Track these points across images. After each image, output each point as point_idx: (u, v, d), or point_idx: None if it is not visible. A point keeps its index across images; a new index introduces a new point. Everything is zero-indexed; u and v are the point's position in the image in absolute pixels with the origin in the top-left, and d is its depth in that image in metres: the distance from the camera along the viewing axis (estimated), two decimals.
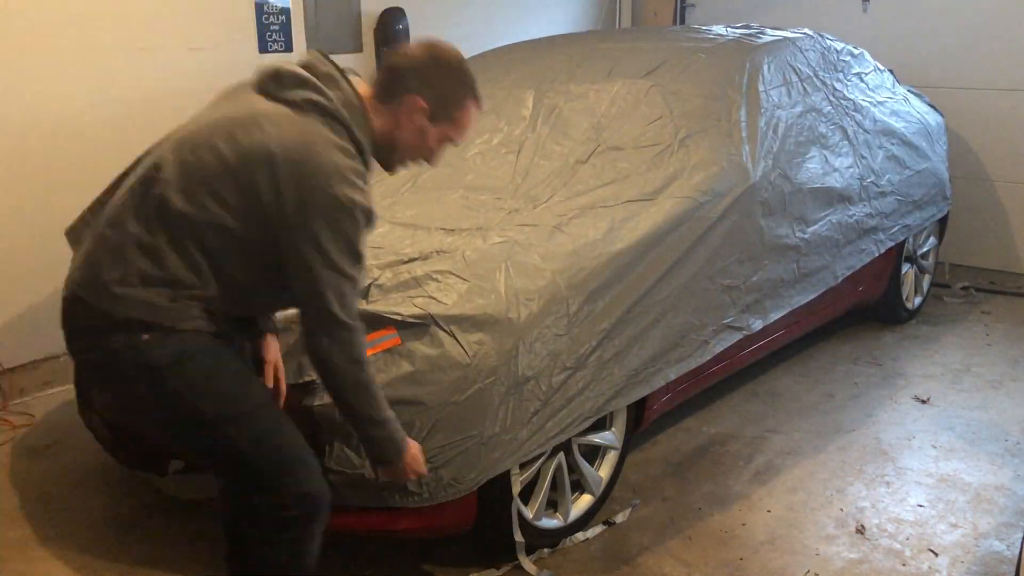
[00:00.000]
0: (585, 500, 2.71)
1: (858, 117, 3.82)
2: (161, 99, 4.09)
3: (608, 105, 3.27)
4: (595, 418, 2.55)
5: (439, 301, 2.30)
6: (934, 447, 3.24)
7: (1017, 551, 2.59)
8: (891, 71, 4.48)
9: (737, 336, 3.00)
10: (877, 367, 3.97)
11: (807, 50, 3.77)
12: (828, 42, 4.00)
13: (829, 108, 3.66)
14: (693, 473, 3.07)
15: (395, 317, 2.25)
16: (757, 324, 3.08)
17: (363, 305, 2.23)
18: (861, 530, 2.73)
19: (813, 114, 3.55)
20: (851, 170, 3.64)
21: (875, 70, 4.24)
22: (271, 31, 4.47)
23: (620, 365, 2.57)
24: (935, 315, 4.63)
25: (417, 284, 2.35)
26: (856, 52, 4.17)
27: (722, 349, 2.94)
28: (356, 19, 4.89)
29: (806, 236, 3.31)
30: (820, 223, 3.40)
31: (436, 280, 2.35)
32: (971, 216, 5.17)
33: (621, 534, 2.73)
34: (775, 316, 3.18)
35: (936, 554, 2.61)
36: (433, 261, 2.45)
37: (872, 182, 3.75)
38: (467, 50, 4.81)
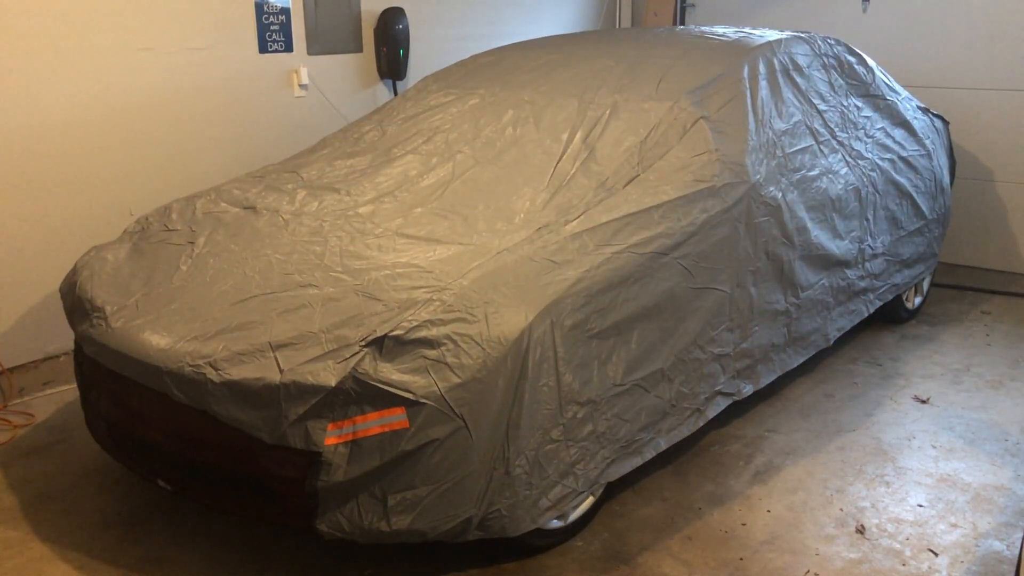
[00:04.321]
0: (586, 501, 2.71)
1: (874, 176, 3.75)
2: (161, 99, 4.09)
3: (653, 128, 3.09)
4: (587, 492, 2.55)
5: (453, 372, 2.19)
6: (934, 447, 3.24)
7: (1017, 551, 2.59)
8: (938, 115, 4.40)
9: (729, 401, 3.02)
10: (877, 367, 3.97)
11: (829, 110, 3.65)
12: (855, 98, 3.87)
13: (846, 170, 3.60)
14: (693, 473, 3.07)
15: (407, 396, 2.17)
16: (748, 389, 3.10)
17: (377, 367, 2.18)
18: (861, 530, 2.73)
19: (830, 176, 3.48)
20: (853, 233, 3.61)
21: (902, 122, 4.10)
22: (271, 31, 4.47)
23: (612, 439, 2.55)
24: (935, 315, 4.63)
25: (435, 345, 2.21)
26: (885, 100, 4.03)
27: (714, 415, 2.95)
28: (356, 19, 4.89)
29: (798, 302, 3.29)
30: (814, 288, 3.38)
31: (455, 343, 2.22)
32: (971, 216, 5.17)
33: (621, 534, 2.73)
34: (767, 381, 3.20)
35: (936, 554, 2.61)
36: (456, 322, 2.25)
37: (868, 245, 3.73)
38: (467, 50, 4.83)
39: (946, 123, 4.57)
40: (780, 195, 3.17)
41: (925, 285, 4.62)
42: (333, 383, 2.17)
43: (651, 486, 2.99)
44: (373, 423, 2.17)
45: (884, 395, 3.69)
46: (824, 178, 3.46)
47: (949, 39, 5.13)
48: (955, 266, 5.26)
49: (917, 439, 3.31)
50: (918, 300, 4.57)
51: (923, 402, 3.61)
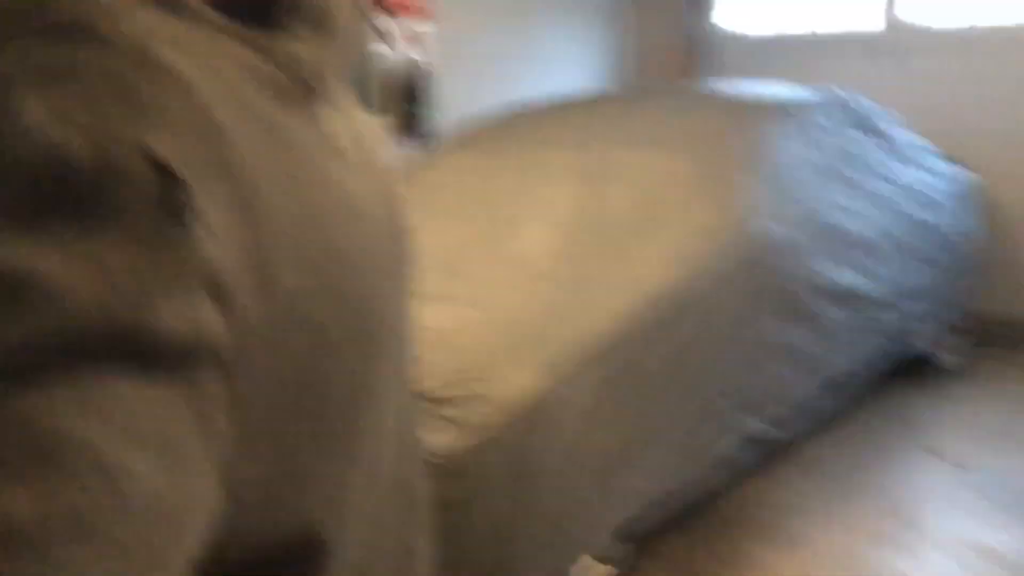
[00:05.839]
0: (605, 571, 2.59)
1: (897, 215, 3.74)
2: None
3: (652, 184, 3.10)
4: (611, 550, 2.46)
5: (465, 431, 2.10)
6: (967, 514, 3.05)
7: None
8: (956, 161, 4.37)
9: (759, 450, 3.02)
10: (906, 427, 3.79)
11: (853, 149, 3.68)
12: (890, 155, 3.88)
13: (870, 209, 3.60)
14: (705, 536, 2.92)
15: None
16: (780, 436, 3.09)
17: None
18: None
19: (853, 216, 3.48)
20: (881, 272, 3.61)
21: (918, 163, 4.09)
22: None
23: (636, 494, 2.49)
24: (969, 372, 4.42)
25: (446, 404, 2.13)
26: (900, 142, 4.03)
27: (744, 464, 2.97)
28: (369, 75, 4.93)
29: (826, 344, 3.27)
30: (841, 328, 3.37)
31: (467, 402, 2.15)
32: (1008, 269, 4.98)
33: None
34: (799, 427, 3.22)
35: None
36: (469, 382, 2.18)
37: (896, 283, 3.72)
38: (483, 106, 4.75)
39: (971, 172, 4.46)
40: (803, 238, 3.16)
41: (958, 339, 4.43)
42: None
43: (662, 549, 2.84)
44: None
45: (913, 457, 3.51)
46: (848, 217, 3.45)
47: (989, 94, 4.99)
48: (991, 321, 5.04)
49: (948, 505, 3.12)
50: (950, 357, 4.38)
51: (951, 464, 3.41)
